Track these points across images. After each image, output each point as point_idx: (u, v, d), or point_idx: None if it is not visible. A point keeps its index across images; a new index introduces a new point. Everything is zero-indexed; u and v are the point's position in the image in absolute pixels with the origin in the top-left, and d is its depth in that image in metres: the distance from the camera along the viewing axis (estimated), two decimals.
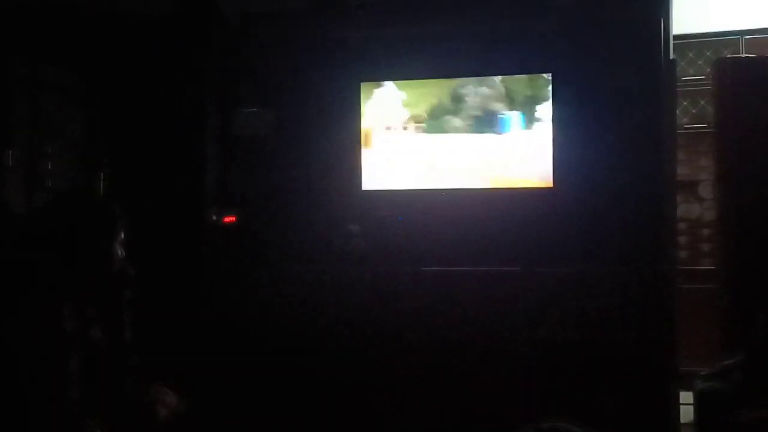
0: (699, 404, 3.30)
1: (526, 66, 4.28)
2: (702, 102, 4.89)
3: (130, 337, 2.25)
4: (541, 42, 4.23)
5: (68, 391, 1.92)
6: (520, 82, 4.29)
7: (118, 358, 2.19)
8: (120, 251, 2.19)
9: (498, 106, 4.31)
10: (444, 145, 4.38)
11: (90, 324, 2.09)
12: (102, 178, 4.32)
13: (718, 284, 4.09)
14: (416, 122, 4.41)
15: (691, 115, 4.91)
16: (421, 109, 4.40)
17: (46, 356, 1.92)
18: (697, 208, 4.87)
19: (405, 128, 4.41)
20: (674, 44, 4.19)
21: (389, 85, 4.43)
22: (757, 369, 2.78)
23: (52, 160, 4.29)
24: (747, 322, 2.95)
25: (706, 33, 4.84)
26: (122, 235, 2.20)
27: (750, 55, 4.67)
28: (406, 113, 4.41)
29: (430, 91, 4.40)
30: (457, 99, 4.37)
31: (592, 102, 4.17)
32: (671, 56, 4.13)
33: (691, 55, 4.91)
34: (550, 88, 4.23)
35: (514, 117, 4.28)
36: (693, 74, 4.90)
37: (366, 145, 4.43)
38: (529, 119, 4.26)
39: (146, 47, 4.49)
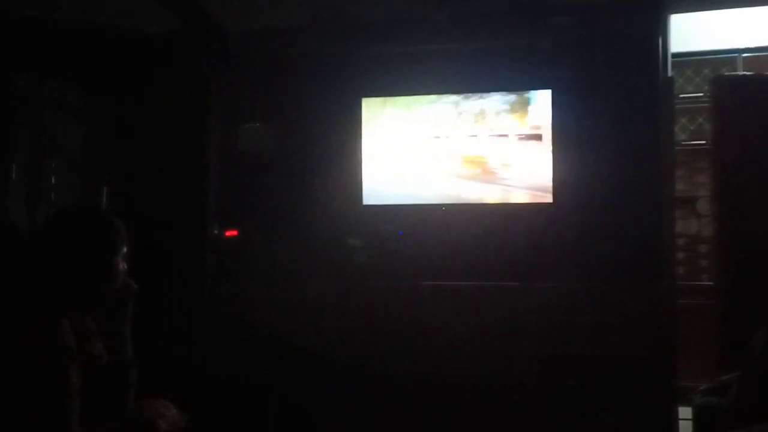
0: (698, 419, 3.31)
1: (526, 83, 4.31)
2: (700, 119, 4.92)
3: (130, 351, 2.25)
4: (541, 59, 4.27)
5: (68, 407, 1.92)
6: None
7: (119, 372, 2.19)
8: (123, 266, 2.20)
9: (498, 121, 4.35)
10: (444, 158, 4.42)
11: (90, 339, 2.10)
12: (104, 192, 4.34)
13: (716, 300, 4.10)
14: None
15: (689, 132, 4.94)
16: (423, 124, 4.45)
17: (46, 371, 1.92)
18: (695, 224, 4.89)
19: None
20: (672, 62, 4.23)
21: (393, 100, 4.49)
22: (755, 384, 2.78)
23: (55, 174, 4.31)
24: (745, 337, 2.96)
25: (704, 51, 4.86)
26: (125, 250, 2.21)
27: (748, 73, 4.70)
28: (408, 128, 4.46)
29: (432, 106, 4.45)
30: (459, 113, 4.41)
31: (592, 119, 4.20)
32: (669, 74, 4.17)
33: (689, 72, 4.95)
34: (550, 105, 4.27)
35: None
36: (691, 92, 4.93)
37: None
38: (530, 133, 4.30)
39: (149, 63, 4.51)
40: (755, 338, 2.85)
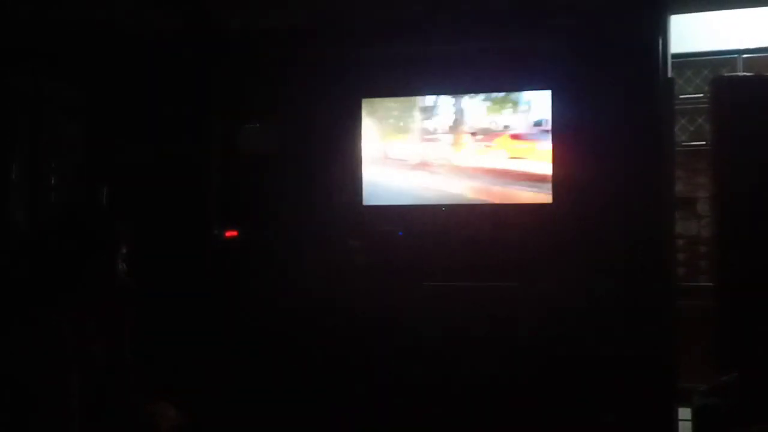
0: (697, 420, 3.31)
1: (526, 83, 4.31)
2: (700, 120, 4.91)
3: (130, 352, 2.25)
4: (541, 59, 4.26)
5: (69, 408, 1.93)
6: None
7: (118, 373, 2.19)
8: (122, 266, 2.20)
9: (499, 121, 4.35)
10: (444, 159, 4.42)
11: (90, 340, 2.10)
12: (104, 193, 4.34)
13: (715, 300, 4.10)
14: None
15: (689, 132, 4.93)
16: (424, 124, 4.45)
17: (46, 372, 1.92)
18: (694, 224, 4.89)
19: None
20: (672, 63, 4.21)
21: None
22: (754, 385, 2.79)
23: (55, 174, 4.31)
24: (744, 338, 2.96)
25: (705, 52, 4.85)
26: (124, 250, 2.21)
27: (747, 74, 4.69)
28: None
29: (432, 106, 4.45)
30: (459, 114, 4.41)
31: (591, 119, 4.20)
32: (669, 75, 4.15)
33: (689, 73, 4.94)
34: (550, 105, 4.27)
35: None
36: (691, 92, 4.92)
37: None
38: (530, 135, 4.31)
39: (150, 63, 4.52)
40: (754, 337, 2.85)
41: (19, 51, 4.08)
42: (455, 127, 4.41)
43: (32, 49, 4.14)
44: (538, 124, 4.29)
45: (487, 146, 4.36)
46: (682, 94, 4.86)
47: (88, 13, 4.17)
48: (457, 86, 4.40)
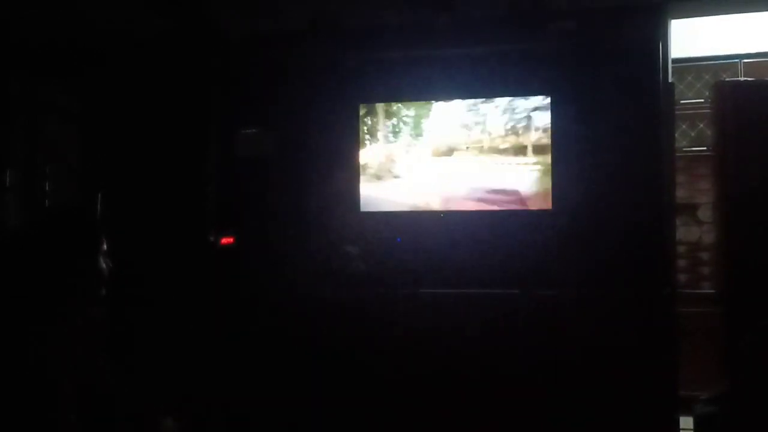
0: (698, 429, 3.28)
1: (525, 89, 4.29)
2: (701, 125, 4.89)
3: (126, 360, 2.23)
4: (540, 65, 4.25)
5: (65, 417, 1.90)
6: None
7: (116, 383, 2.17)
8: (105, 263, 2.16)
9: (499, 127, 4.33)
10: (443, 167, 4.40)
11: (86, 348, 2.07)
12: (99, 198, 4.32)
13: (717, 308, 4.07)
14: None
15: (690, 138, 4.91)
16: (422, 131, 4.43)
17: (40, 381, 1.90)
18: (696, 230, 4.86)
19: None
20: (673, 68, 4.21)
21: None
22: (755, 394, 2.76)
23: (50, 180, 4.29)
24: (745, 346, 2.93)
25: (705, 57, 4.83)
26: (104, 247, 2.16)
27: (748, 79, 4.68)
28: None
29: (431, 113, 4.43)
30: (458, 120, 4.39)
31: (591, 125, 4.18)
32: (670, 80, 4.15)
33: (689, 78, 4.92)
34: (549, 111, 4.24)
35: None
36: (692, 97, 4.91)
37: None
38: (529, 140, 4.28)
39: (147, 68, 4.51)
40: (740, 345, 2.83)
41: (16, 53, 4.07)
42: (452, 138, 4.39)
43: (29, 52, 4.13)
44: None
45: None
46: (682, 99, 4.85)
47: (86, 15, 4.15)
48: (455, 92, 4.38)
